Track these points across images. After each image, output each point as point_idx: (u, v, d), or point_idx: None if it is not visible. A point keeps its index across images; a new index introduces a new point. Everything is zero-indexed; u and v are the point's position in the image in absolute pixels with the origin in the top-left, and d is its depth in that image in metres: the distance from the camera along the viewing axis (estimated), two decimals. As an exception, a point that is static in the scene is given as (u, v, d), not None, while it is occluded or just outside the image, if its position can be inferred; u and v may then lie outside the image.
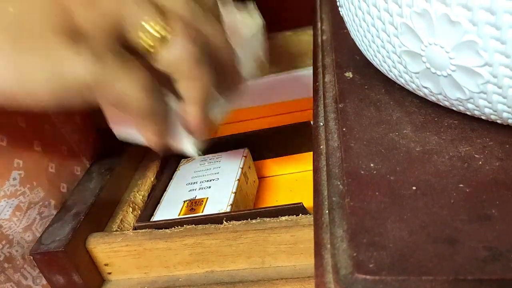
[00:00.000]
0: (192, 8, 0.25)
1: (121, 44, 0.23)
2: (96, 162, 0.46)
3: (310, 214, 0.34)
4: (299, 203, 0.35)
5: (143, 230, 0.37)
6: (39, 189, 0.41)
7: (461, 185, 0.23)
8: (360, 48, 0.31)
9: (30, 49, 0.23)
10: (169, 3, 0.24)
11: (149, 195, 0.45)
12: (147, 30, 0.23)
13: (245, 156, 0.45)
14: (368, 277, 0.19)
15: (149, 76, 0.24)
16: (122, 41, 0.23)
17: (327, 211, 0.24)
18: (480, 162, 0.24)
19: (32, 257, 0.37)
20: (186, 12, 0.24)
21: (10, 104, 0.24)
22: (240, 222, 0.35)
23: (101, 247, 0.37)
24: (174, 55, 0.24)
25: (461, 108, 0.26)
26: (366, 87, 0.32)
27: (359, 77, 0.33)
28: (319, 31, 0.43)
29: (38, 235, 0.40)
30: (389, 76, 0.29)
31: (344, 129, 0.28)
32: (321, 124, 0.31)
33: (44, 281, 0.40)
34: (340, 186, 0.25)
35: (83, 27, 0.23)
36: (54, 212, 0.42)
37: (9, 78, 0.23)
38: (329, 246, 0.22)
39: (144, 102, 0.24)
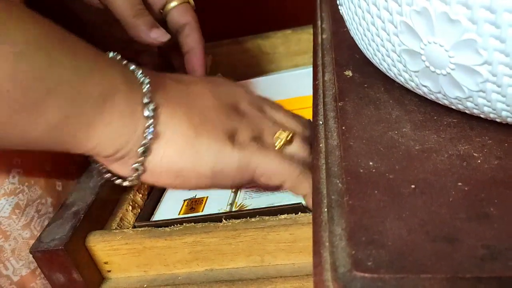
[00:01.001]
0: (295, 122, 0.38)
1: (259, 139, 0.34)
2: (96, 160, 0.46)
3: (309, 212, 0.35)
4: (299, 203, 0.35)
5: (142, 229, 0.37)
6: (36, 187, 0.41)
7: (460, 184, 0.23)
8: (360, 47, 0.31)
9: (206, 137, 0.31)
10: (287, 123, 0.37)
11: (149, 193, 0.45)
12: (278, 137, 0.34)
13: None
14: (366, 275, 0.19)
15: (279, 151, 0.34)
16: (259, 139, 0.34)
17: (326, 209, 0.24)
18: (479, 161, 0.24)
19: (32, 255, 0.37)
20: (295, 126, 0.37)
21: (172, 183, 0.32)
22: (239, 220, 0.35)
23: (101, 245, 0.37)
24: (296, 150, 0.35)
25: (460, 107, 0.26)
26: (365, 85, 0.32)
27: (359, 76, 0.33)
28: (319, 30, 0.43)
29: (36, 233, 0.40)
30: (389, 75, 0.29)
31: (343, 128, 0.28)
32: (321, 122, 0.31)
33: (23, 273, 0.41)
34: (339, 184, 0.25)
35: (237, 133, 0.33)
36: (51, 210, 0.42)
37: (187, 156, 0.31)
38: (327, 244, 0.22)
39: (285, 165, 0.33)
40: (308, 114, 0.48)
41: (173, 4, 0.46)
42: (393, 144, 0.26)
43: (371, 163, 0.25)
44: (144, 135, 0.30)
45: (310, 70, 0.42)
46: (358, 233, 0.21)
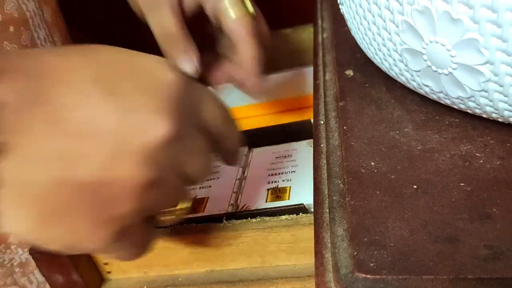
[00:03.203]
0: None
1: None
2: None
3: (310, 213, 0.34)
4: (300, 204, 0.35)
5: (143, 229, 0.37)
6: None
7: (462, 184, 0.23)
8: (361, 46, 0.31)
9: (58, 231, 0.23)
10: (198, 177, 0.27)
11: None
12: (175, 209, 0.28)
13: (245, 155, 0.45)
14: (368, 276, 0.19)
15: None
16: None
17: (327, 210, 0.24)
18: (481, 161, 0.24)
19: (32, 256, 0.36)
20: None
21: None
22: (240, 221, 0.35)
23: (101, 246, 0.37)
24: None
25: (462, 107, 0.26)
26: (367, 85, 0.32)
27: (360, 75, 0.33)
28: (320, 29, 0.43)
29: None
30: (390, 74, 0.29)
31: (344, 128, 0.28)
32: (322, 122, 0.31)
33: (48, 286, 0.40)
34: (341, 184, 0.25)
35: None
36: None
37: (36, 240, 0.24)
38: (329, 245, 0.22)
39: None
40: (309, 114, 0.47)
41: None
42: (394, 144, 0.26)
43: (372, 163, 0.25)
44: None
45: (310, 69, 0.42)
46: (360, 234, 0.21)
